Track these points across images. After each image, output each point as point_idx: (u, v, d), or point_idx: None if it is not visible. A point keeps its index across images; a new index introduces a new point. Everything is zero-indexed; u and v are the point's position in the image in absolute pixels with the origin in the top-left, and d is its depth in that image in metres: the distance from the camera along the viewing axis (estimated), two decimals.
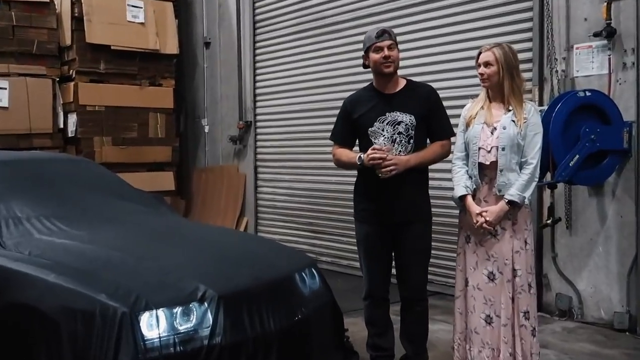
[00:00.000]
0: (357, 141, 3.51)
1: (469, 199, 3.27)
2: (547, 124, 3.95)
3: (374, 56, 3.34)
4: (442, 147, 3.44)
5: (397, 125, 3.32)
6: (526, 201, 3.21)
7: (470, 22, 5.34)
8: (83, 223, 3.48)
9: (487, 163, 3.23)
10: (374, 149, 3.27)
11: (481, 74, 3.25)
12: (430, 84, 3.62)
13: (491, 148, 3.22)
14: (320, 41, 6.66)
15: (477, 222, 3.21)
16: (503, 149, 3.19)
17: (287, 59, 7.07)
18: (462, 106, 3.46)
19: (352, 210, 3.57)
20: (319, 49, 6.67)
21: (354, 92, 3.59)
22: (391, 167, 3.25)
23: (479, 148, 3.24)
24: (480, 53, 3.28)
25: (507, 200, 3.18)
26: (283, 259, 3.39)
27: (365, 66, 3.47)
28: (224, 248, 3.37)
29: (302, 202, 6.97)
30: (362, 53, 3.44)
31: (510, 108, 3.23)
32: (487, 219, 3.19)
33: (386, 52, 3.31)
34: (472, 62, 3.36)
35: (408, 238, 3.40)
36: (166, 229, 3.72)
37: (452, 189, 3.35)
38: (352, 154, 3.45)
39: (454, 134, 3.46)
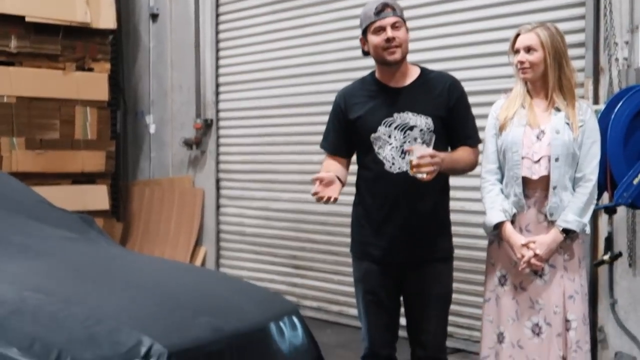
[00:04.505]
0: (355, 150, 3.52)
1: (509, 226, 3.29)
2: (603, 129, 3.97)
3: (374, 39, 3.34)
4: (473, 153, 3.47)
5: (408, 131, 3.34)
6: (587, 230, 3.26)
7: None
8: None
9: (535, 178, 3.27)
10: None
11: (521, 62, 3.29)
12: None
13: (540, 158, 3.26)
14: (305, 14, 6.69)
15: (523, 257, 3.22)
16: (557, 159, 3.23)
17: (260, 37, 7.11)
18: (490, 104, 3.49)
19: (349, 240, 3.59)
20: (303, 24, 6.71)
21: (350, 83, 3.61)
22: (434, 167, 3.14)
23: (523, 157, 3.28)
24: (518, 35, 3.33)
25: (561, 228, 3.22)
26: (254, 305, 3.40)
27: (365, 52, 3.49)
28: (174, 289, 3.38)
29: (280, 227, 6.99)
30: (359, 33, 3.46)
31: (559, 107, 3.28)
32: (537, 252, 3.21)
33: (389, 32, 3.31)
34: (503, 47, 3.40)
35: (423, 280, 3.42)
36: (98, 261, 3.72)
37: (480, 212, 3.38)
38: (333, 170, 3.37)
39: (481, 141, 3.51)
